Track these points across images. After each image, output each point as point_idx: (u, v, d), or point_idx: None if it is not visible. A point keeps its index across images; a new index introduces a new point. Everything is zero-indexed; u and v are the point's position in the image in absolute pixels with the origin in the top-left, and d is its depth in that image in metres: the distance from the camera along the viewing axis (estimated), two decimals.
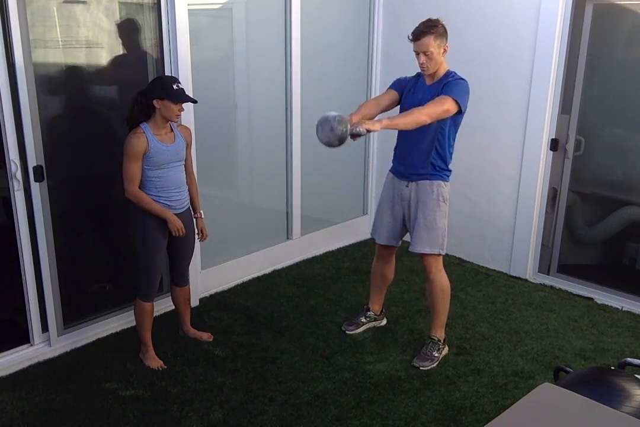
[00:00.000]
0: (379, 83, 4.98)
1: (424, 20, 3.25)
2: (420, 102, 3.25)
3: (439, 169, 3.36)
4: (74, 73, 3.43)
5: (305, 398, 3.17)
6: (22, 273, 3.33)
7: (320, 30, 4.59)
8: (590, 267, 4.54)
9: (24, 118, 3.12)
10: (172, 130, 3.23)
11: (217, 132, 4.23)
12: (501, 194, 4.57)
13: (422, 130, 3.25)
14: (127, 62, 3.65)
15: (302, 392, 3.22)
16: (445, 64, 3.30)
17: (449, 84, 3.22)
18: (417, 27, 3.22)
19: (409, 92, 3.38)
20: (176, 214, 3.26)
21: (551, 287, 4.45)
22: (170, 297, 3.69)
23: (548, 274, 4.53)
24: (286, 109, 4.50)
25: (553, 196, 4.40)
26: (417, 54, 3.22)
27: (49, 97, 3.28)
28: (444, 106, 3.14)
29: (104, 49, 3.50)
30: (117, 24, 3.49)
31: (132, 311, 3.42)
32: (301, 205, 4.75)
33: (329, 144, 2.97)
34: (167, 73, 3.67)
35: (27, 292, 3.36)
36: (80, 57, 3.43)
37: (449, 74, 3.30)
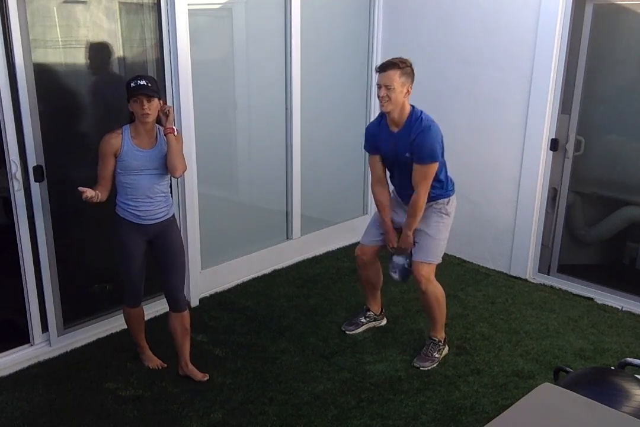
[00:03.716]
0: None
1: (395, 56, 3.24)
2: (396, 153, 3.30)
3: (440, 191, 3.40)
4: (74, 73, 3.43)
5: (305, 398, 3.18)
6: (22, 273, 3.33)
7: (321, 30, 4.59)
8: (590, 267, 4.54)
9: (24, 118, 3.12)
10: (157, 137, 3.05)
11: (217, 132, 4.23)
12: (501, 194, 4.57)
13: (408, 174, 3.30)
14: (127, 62, 3.65)
15: (302, 392, 3.22)
16: (407, 105, 3.24)
17: (420, 144, 3.19)
18: (385, 61, 3.20)
19: (380, 144, 3.39)
20: (147, 225, 3.08)
21: (551, 287, 4.45)
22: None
23: (548, 274, 4.53)
24: (286, 109, 4.50)
25: (553, 196, 4.40)
26: (379, 87, 3.17)
27: (49, 97, 3.28)
28: (430, 176, 3.24)
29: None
30: (118, 24, 3.48)
31: None
32: (301, 205, 4.75)
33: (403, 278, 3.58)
34: (167, 73, 3.67)
35: (27, 292, 3.37)
36: (80, 57, 3.43)
37: (413, 118, 3.24)
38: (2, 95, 3.03)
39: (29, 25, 3.07)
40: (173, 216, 3.22)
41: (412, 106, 3.28)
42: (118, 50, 3.56)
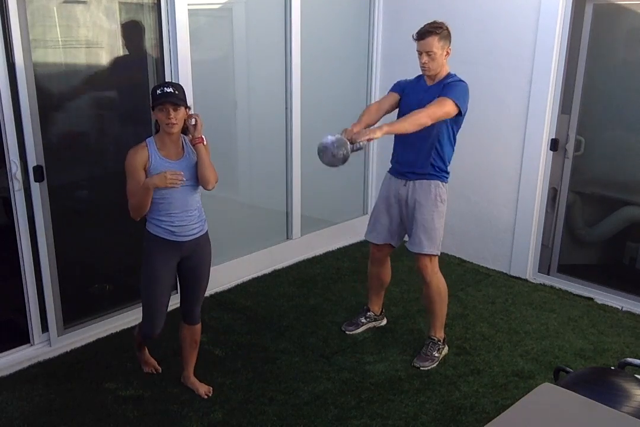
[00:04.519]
0: (379, 83, 4.98)
1: (429, 21, 3.26)
2: (421, 102, 3.24)
3: (438, 170, 3.37)
4: (74, 73, 3.43)
5: (305, 398, 3.18)
6: (22, 273, 3.33)
7: (321, 30, 4.59)
8: (590, 267, 4.54)
9: (24, 118, 3.12)
10: (183, 147, 2.90)
11: (217, 132, 4.21)
12: (501, 194, 4.57)
13: (422, 130, 3.24)
14: (127, 62, 3.65)
15: (302, 392, 3.22)
16: (447, 66, 3.31)
17: (449, 86, 3.24)
18: (422, 27, 3.24)
19: (410, 92, 3.39)
20: (182, 242, 2.92)
21: (551, 287, 4.45)
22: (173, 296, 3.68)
23: (548, 274, 4.53)
24: (286, 109, 4.50)
25: (553, 196, 4.40)
26: (420, 53, 3.24)
27: (49, 97, 3.28)
28: (444, 108, 3.15)
29: (104, 49, 3.50)
30: (118, 24, 3.48)
31: (132, 311, 3.40)
32: (301, 205, 4.75)
33: (334, 166, 3.00)
34: (167, 73, 3.67)
35: (27, 292, 3.36)
36: (80, 57, 3.43)
37: (449, 75, 3.31)
38: (2, 95, 3.02)
39: (29, 25, 3.06)
40: (207, 232, 3.06)
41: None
42: (118, 50, 3.56)
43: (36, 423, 2.97)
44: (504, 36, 4.29)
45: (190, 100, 3.74)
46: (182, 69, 3.66)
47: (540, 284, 4.50)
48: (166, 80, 3.66)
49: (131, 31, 3.56)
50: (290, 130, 4.54)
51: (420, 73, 3.35)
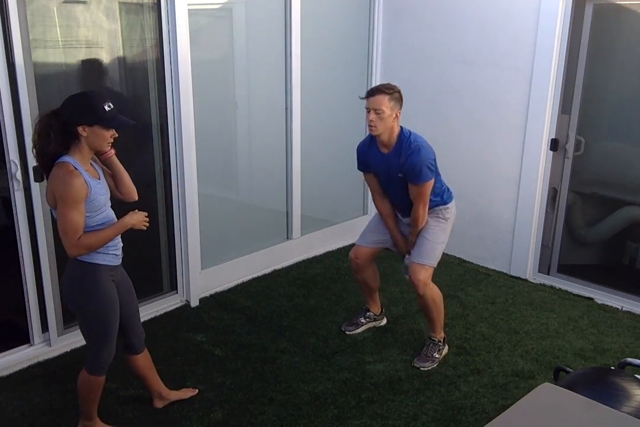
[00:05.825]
0: (379, 83, 4.97)
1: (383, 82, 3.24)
2: (389, 173, 3.31)
3: (436, 202, 3.40)
4: (74, 73, 3.43)
5: (305, 398, 3.18)
6: (22, 273, 3.33)
7: (320, 30, 4.59)
8: (590, 267, 4.54)
9: (24, 118, 3.12)
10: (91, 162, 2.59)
11: (217, 132, 4.23)
12: (501, 194, 4.57)
13: (403, 191, 3.32)
14: (127, 62, 3.65)
15: (302, 392, 3.22)
16: (396, 128, 3.24)
17: (411, 166, 3.19)
18: (373, 86, 3.24)
19: (371, 163, 3.40)
20: (116, 266, 2.68)
21: (551, 287, 4.45)
22: (168, 296, 3.67)
23: (548, 274, 4.53)
24: (286, 109, 4.50)
25: (553, 196, 4.40)
26: (368, 111, 3.17)
27: (49, 97, 3.28)
28: (426, 191, 3.25)
29: (104, 49, 3.50)
30: (118, 24, 3.48)
31: None
32: (301, 206, 4.75)
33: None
34: (167, 73, 3.67)
35: (27, 292, 3.37)
36: (80, 57, 3.43)
37: (402, 139, 3.24)
38: (2, 95, 3.02)
39: (29, 25, 3.07)
40: None
41: (401, 127, 3.28)
42: (118, 50, 3.56)
43: (36, 423, 2.97)
44: (504, 36, 4.29)
45: (189, 101, 3.76)
46: (182, 69, 3.66)
47: (540, 284, 4.50)
48: (166, 79, 3.66)
49: (129, 30, 3.55)
50: (290, 130, 4.54)
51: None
